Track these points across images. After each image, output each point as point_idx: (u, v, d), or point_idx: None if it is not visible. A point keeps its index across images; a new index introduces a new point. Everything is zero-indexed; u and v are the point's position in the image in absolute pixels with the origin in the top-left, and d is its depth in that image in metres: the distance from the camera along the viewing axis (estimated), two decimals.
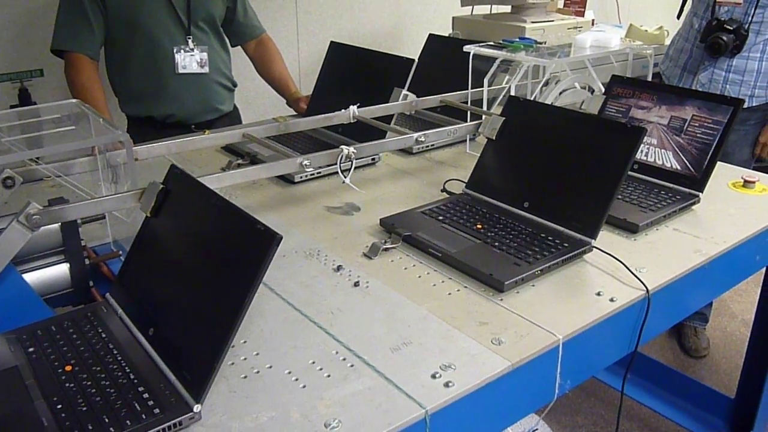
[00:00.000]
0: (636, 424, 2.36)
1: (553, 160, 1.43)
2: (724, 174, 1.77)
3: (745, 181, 1.69)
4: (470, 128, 1.66)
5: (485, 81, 1.81)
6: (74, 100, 1.30)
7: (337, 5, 3.32)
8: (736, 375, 2.61)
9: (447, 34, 2.97)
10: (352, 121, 1.69)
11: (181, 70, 2.17)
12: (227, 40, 2.36)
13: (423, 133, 1.56)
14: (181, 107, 2.22)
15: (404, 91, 1.80)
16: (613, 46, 1.87)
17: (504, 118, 1.52)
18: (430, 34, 2.33)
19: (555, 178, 1.41)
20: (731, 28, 2.19)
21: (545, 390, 1.10)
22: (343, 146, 1.41)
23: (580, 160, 1.38)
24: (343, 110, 1.68)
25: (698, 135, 1.58)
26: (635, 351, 1.24)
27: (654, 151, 1.63)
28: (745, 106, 2.30)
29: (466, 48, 1.84)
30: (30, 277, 1.17)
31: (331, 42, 2.13)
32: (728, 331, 2.96)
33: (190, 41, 2.16)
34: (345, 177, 1.40)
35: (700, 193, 1.55)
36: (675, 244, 1.39)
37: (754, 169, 1.98)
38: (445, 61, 2.14)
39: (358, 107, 1.67)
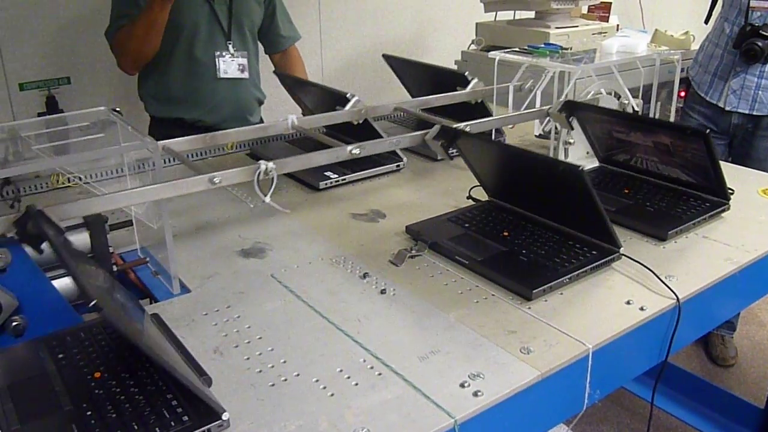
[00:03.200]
0: None
1: None
2: (754, 180, 1.75)
3: None
4: (416, 138, 1.55)
5: (510, 86, 1.80)
6: (102, 108, 1.31)
7: (360, 12, 3.33)
8: (764, 385, 2.58)
9: (471, 40, 2.97)
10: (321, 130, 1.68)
11: (222, 75, 2.21)
12: (260, 49, 2.39)
13: (358, 144, 1.43)
14: (215, 112, 2.25)
15: (355, 98, 1.75)
16: (639, 51, 1.85)
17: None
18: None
19: None
20: (766, 34, 2.16)
21: (574, 400, 1.08)
22: (261, 161, 1.29)
23: None
24: (281, 119, 1.62)
25: (689, 157, 1.52)
26: (665, 360, 1.22)
27: (663, 167, 1.59)
28: None
29: (491, 54, 1.83)
30: (59, 284, 1.17)
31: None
32: (756, 339, 2.91)
33: (230, 46, 2.20)
34: (264, 195, 1.29)
35: (728, 201, 1.52)
36: (705, 252, 1.37)
37: None
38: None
39: (297, 118, 1.63)
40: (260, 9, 2.30)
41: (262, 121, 2.45)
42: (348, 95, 1.77)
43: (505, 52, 1.83)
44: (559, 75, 1.76)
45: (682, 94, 2.71)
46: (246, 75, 2.26)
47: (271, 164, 1.28)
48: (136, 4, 2.06)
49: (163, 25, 2.05)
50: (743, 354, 2.80)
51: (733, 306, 1.40)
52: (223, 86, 2.24)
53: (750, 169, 1.88)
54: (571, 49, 1.86)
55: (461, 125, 1.56)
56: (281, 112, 2.49)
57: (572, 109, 1.65)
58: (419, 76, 2.29)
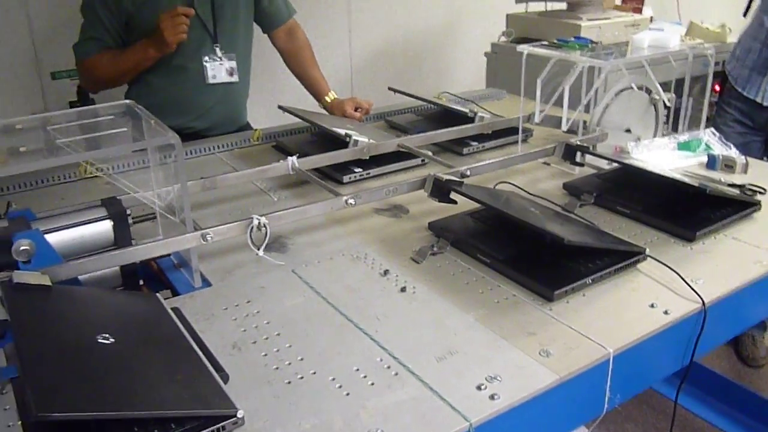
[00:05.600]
0: None
1: None
2: None
3: None
4: (415, 185, 1.46)
5: (538, 82, 1.77)
6: (127, 101, 1.32)
7: (389, 1, 3.31)
8: None
9: (501, 32, 2.93)
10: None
11: (211, 81, 2.09)
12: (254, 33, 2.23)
13: (353, 194, 1.38)
14: (205, 118, 2.15)
15: (355, 137, 1.71)
16: (672, 46, 1.80)
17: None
18: None
19: None
20: None
21: (594, 404, 1.07)
22: (254, 216, 1.24)
23: None
24: (281, 161, 1.56)
25: None
26: (691, 362, 1.19)
27: None
28: None
29: (520, 48, 1.80)
30: (82, 276, 1.19)
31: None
32: None
33: (218, 49, 2.08)
34: (258, 249, 1.24)
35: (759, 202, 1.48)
36: (733, 254, 1.34)
37: None
38: None
39: (297, 159, 1.56)
40: None
41: (248, 123, 2.32)
42: (346, 136, 1.72)
43: (533, 46, 1.80)
44: (588, 69, 1.73)
45: (717, 88, 2.65)
46: (236, 78, 2.13)
47: (264, 219, 1.24)
48: (107, 31, 1.98)
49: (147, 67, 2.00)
50: None
51: (762, 310, 1.37)
52: (213, 92, 2.12)
53: None
54: (601, 42, 1.83)
55: (461, 170, 1.49)
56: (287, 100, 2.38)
57: (572, 152, 1.67)
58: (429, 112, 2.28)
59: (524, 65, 1.79)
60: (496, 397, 0.92)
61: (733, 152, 1.84)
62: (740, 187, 1.61)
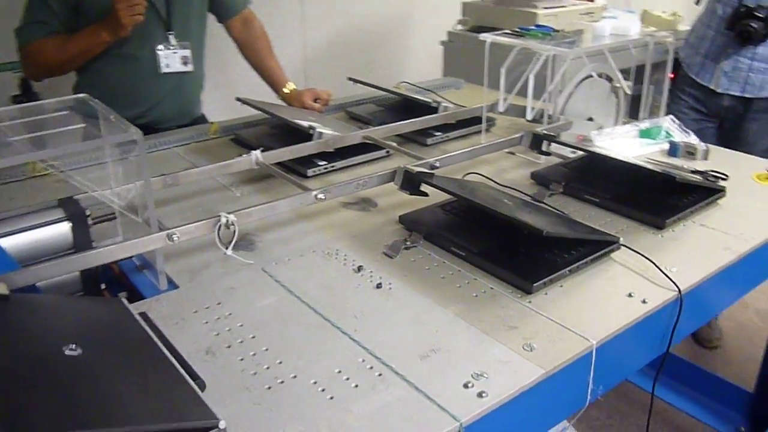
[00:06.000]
0: (652, 417, 2.33)
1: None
2: (748, 165, 1.73)
3: None
4: (385, 177, 1.44)
5: (502, 71, 1.76)
6: (81, 95, 1.25)
7: None
8: (749, 366, 2.59)
9: (457, 20, 2.91)
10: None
11: (165, 70, 2.00)
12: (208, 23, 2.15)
13: (323, 189, 1.35)
14: (157, 109, 2.06)
15: (319, 129, 1.66)
16: (632, 33, 1.81)
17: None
18: None
19: None
20: (762, 15, 2.13)
21: (578, 396, 1.06)
22: (221, 213, 1.19)
23: None
24: (244, 156, 1.51)
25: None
26: (667, 351, 1.20)
27: None
28: None
29: (482, 36, 1.78)
30: (40, 282, 1.12)
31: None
32: (741, 321, 2.93)
33: (171, 37, 1.98)
34: (227, 248, 1.20)
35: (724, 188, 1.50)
36: (703, 240, 1.35)
37: None
38: None
39: (261, 153, 1.52)
40: None
41: (203, 115, 2.24)
42: (310, 129, 1.67)
43: (496, 34, 1.79)
44: (551, 58, 1.72)
45: (671, 75, 2.68)
46: (190, 68, 2.04)
47: (232, 216, 1.19)
48: (55, 15, 1.86)
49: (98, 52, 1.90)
50: (728, 335, 2.81)
51: (732, 295, 1.39)
52: (166, 82, 2.02)
53: (742, 154, 1.86)
54: (563, 30, 1.82)
55: (430, 162, 1.48)
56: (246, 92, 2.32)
57: (539, 141, 1.66)
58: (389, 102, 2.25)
59: (487, 54, 1.77)
60: (484, 394, 0.90)
61: (693, 139, 1.86)
62: (703, 173, 1.63)
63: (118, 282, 1.26)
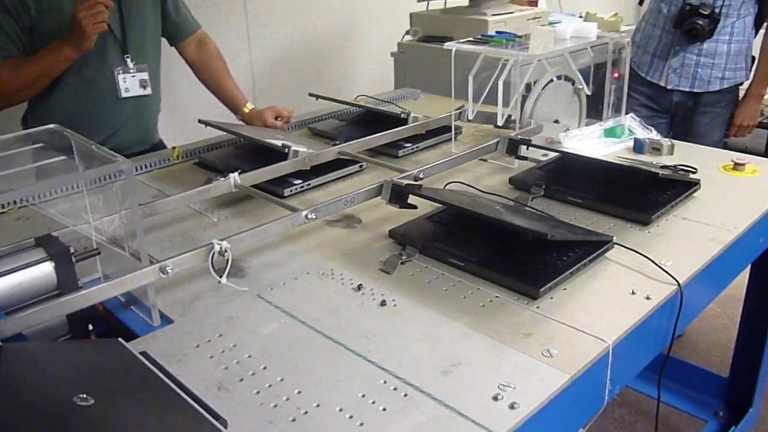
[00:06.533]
0: (627, 410, 2.36)
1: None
2: (713, 157, 1.78)
3: (735, 164, 1.69)
4: (372, 192, 1.41)
5: (470, 79, 1.76)
6: (52, 126, 1.18)
7: (287, 5, 3.22)
8: (714, 352, 2.67)
9: (405, 31, 2.92)
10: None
11: (124, 94, 1.92)
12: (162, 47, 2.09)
13: (314, 208, 1.31)
14: (117, 136, 1.97)
15: (294, 148, 1.64)
16: (592, 36, 1.84)
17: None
18: None
19: None
20: (706, 13, 2.21)
21: (597, 397, 1.06)
22: (214, 241, 1.15)
23: None
24: (222, 179, 1.47)
25: None
26: (670, 346, 1.21)
27: None
28: (717, 88, 2.35)
29: (447, 45, 1.78)
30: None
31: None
32: None
33: (128, 60, 1.91)
34: (220, 276, 1.15)
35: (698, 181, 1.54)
36: (688, 233, 1.37)
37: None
38: None
39: (239, 175, 1.48)
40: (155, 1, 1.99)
41: (161, 140, 2.17)
42: (284, 148, 1.63)
43: (461, 42, 1.79)
44: (516, 63, 1.73)
45: (616, 75, 2.75)
46: (149, 91, 1.97)
47: (225, 243, 1.15)
48: (10, 39, 1.76)
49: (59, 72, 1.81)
50: (689, 324, 2.88)
51: (721, 285, 1.42)
52: (126, 106, 1.95)
53: (704, 147, 1.92)
54: (526, 35, 1.84)
55: (413, 173, 1.47)
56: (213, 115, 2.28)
57: (514, 146, 1.67)
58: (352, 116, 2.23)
59: (453, 63, 1.77)
60: (516, 405, 0.89)
61: (654, 135, 1.90)
62: (672, 168, 1.66)
63: (103, 321, 1.19)
